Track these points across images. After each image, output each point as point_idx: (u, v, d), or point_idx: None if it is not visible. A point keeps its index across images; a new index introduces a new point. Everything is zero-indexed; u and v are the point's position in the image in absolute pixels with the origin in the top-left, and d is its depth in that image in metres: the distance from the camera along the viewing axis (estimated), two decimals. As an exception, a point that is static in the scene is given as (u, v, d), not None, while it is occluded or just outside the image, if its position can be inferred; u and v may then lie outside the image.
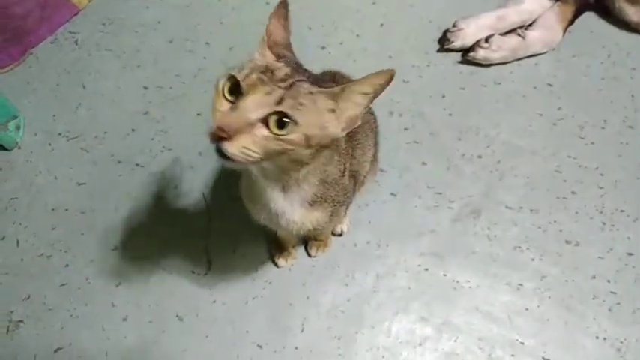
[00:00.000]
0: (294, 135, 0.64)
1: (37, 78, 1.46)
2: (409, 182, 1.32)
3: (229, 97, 0.65)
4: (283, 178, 0.76)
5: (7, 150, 1.36)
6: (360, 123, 0.70)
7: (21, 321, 1.19)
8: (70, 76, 1.46)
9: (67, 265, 1.24)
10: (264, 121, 0.63)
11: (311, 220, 0.85)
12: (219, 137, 0.62)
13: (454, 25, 1.50)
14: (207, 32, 1.53)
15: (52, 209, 1.30)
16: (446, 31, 1.51)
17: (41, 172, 1.34)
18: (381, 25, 1.56)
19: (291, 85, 0.65)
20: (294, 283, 1.22)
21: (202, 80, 1.45)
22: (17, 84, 1.45)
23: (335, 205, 0.87)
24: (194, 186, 1.32)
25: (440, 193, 1.31)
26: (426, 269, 1.23)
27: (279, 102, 0.63)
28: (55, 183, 1.33)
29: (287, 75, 0.66)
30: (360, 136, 0.97)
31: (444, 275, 1.22)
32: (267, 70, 0.65)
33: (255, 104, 0.62)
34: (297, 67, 0.70)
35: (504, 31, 1.50)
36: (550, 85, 1.47)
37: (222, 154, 0.63)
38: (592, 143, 1.38)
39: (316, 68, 0.80)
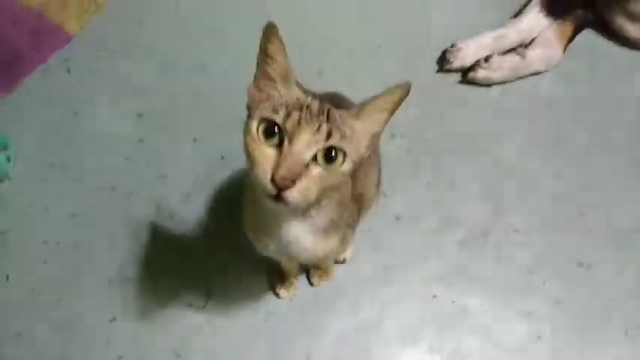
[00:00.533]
0: (346, 165, 0.64)
1: (27, 107, 1.42)
2: (413, 205, 1.29)
3: (268, 141, 0.63)
4: (310, 206, 0.71)
5: (-5, 182, 1.32)
6: (380, 139, 0.70)
7: (11, 361, 1.13)
8: (62, 104, 1.42)
9: (58, 301, 1.19)
10: (313, 159, 0.62)
11: (324, 247, 0.82)
12: (281, 187, 0.60)
13: (453, 45, 1.48)
14: (203, 55, 1.50)
15: (44, 242, 1.25)
16: (444, 52, 1.49)
17: (32, 205, 1.30)
18: (378, 47, 1.54)
19: (328, 117, 0.63)
20: (296, 314, 1.16)
21: (198, 105, 1.42)
22: (7, 114, 1.40)
23: (346, 229, 0.85)
24: (191, 214, 1.28)
25: (445, 216, 1.27)
26: (434, 296, 1.18)
27: (328, 137, 0.62)
28: (47, 215, 1.28)
29: (320, 107, 0.64)
30: None
31: (453, 302, 1.18)
32: (303, 107, 0.63)
33: (306, 144, 0.61)
34: (314, 95, 0.69)
35: (504, 50, 1.48)
36: (551, 103, 1.44)
37: (279, 199, 0.61)
38: (598, 161, 1.35)
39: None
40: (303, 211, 0.73)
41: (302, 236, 0.78)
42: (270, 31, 0.64)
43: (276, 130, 0.62)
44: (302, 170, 0.61)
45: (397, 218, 1.27)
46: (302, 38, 1.50)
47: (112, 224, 1.27)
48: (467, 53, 1.46)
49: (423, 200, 1.29)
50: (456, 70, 1.48)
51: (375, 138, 0.69)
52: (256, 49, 0.67)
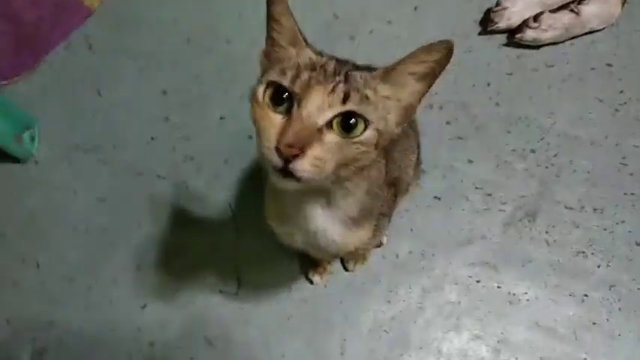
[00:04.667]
0: (368, 133, 0.55)
1: (50, 86, 1.38)
2: (454, 183, 1.20)
3: (277, 109, 0.55)
4: (332, 191, 0.64)
5: (22, 163, 1.29)
6: (416, 115, 0.60)
7: (44, 349, 1.13)
8: (85, 83, 1.38)
9: (89, 288, 1.17)
10: (329, 126, 0.54)
11: (354, 240, 0.75)
12: (287, 156, 0.52)
13: (497, 4, 1.36)
14: (227, 29, 1.42)
15: (73, 227, 1.23)
16: (488, 11, 1.37)
17: (59, 188, 1.27)
18: (415, 8, 1.42)
19: (347, 78, 0.55)
20: (331, 301, 1.12)
21: (224, 81, 1.35)
22: (30, 93, 1.37)
23: (379, 218, 0.77)
24: (220, 197, 1.23)
25: (489, 194, 1.19)
26: (478, 281, 1.11)
27: (345, 100, 0.53)
28: (75, 199, 1.26)
29: (336, 67, 0.56)
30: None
31: (499, 287, 1.11)
32: (316, 68, 0.55)
33: (318, 106, 0.53)
34: (335, 57, 0.60)
35: (553, 7, 1.34)
36: (609, 65, 1.31)
37: (287, 174, 0.53)
38: (661, 130, 1.23)
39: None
40: (325, 193, 0.65)
41: (330, 226, 0.71)
42: None
43: (285, 96, 0.55)
44: (313, 137, 0.52)
45: (437, 198, 1.19)
46: (332, 2, 1.40)
47: (140, 209, 1.23)
48: (513, 12, 1.34)
49: (464, 177, 1.21)
50: (502, 32, 1.36)
51: (409, 112, 0.59)
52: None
